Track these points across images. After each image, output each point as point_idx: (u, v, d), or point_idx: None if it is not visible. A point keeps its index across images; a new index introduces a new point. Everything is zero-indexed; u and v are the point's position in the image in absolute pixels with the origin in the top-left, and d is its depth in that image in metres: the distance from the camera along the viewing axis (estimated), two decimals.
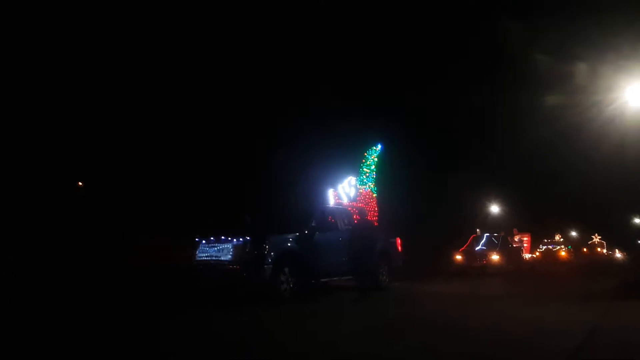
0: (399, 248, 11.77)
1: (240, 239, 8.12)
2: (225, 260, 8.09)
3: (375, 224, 13.62)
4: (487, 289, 12.25)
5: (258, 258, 7.93)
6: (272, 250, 8.11)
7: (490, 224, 28.26)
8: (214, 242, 8.43)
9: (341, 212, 10.52)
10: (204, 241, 8.61)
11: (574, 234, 52.61)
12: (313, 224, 9.21)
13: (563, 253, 29.39)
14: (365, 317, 7.16)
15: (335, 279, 9.49)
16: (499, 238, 18.54)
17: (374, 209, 13.87)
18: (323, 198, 13.12)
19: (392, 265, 11.10)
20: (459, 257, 17.49)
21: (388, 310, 7.98)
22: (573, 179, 39.34)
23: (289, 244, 8.59)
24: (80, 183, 23.22)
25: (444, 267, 17.57)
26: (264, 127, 21.30)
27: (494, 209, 34.43)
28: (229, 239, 8.22)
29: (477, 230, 19.86)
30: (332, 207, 11.08)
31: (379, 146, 14.47)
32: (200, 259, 8.53)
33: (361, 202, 13.38)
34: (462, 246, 18.48)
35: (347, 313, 7.69)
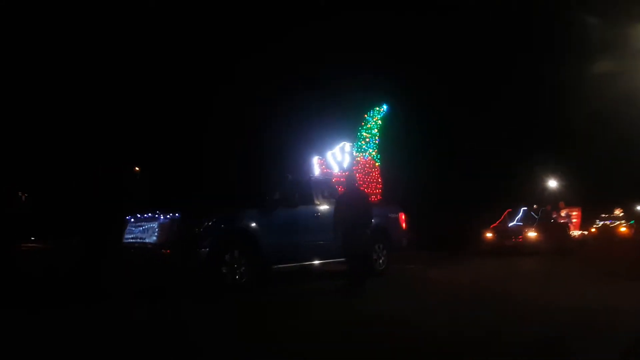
0: (403, 225, 9.80)
1: (168, 216, 6.45)
2: (150, 243, 6.49)
3: (379, 197, 11.62)
4: (515, 273, 10.08)
5: (191, 239, 6.27)
6: (212, 230, 6.49)
7: (545, 197, 25.13)
8: (141, 220, 6.82)
9: (320, 183, 8.59)
10: (132, 220, 7.02)
11: (639, 208, 47.62)
12: (277, 197, 7.44)
13: (623, 229, 25.67)
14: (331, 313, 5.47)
15: (306, 263, 7.71)
16: (539, 212, 15.87)
17: (377, 180, 11.76)
18: (305, 167, 11.18)
19: (393, 245, 9.21)
20: (489, 234, 15.11)
21: (369, 304, 6.15)
22: (635, 148, 34.89)
23: (239, 222, 6.90)
24: (137, 168, 22.65)
25: (472, 247, 15.31)
26: (248, 86, 19.29)
27: (549, 182, 30.98)
28: (156, 216, 6.58)
29: (535, 206, 17.19)
30: (308, 176, 9.17)
31: (384, 107, 12.24)
32: (126, 241, 6.98)
33: (359, 172, 11.32)
34: (495, 222, 16.01)
35: (313, 307, 5.88)
